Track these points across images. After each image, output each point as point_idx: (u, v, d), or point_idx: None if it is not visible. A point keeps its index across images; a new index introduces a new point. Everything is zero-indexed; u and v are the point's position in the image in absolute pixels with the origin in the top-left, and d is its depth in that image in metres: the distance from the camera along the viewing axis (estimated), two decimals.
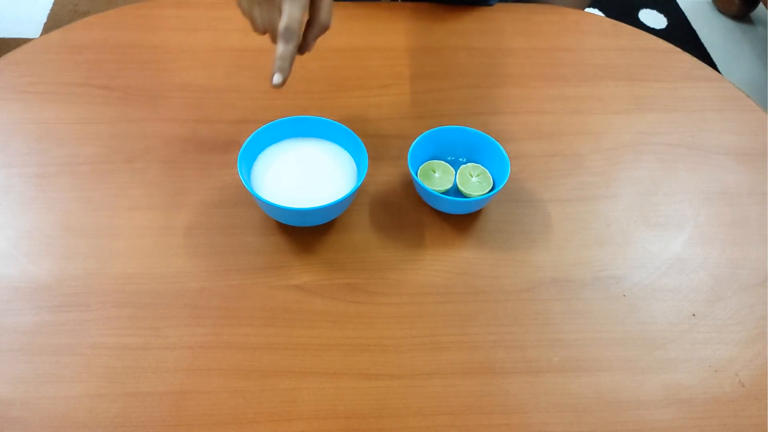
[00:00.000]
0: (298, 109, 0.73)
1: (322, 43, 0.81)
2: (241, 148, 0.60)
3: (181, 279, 0.58)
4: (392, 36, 0.83)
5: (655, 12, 2.09)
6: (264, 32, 0.58)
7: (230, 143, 0.69)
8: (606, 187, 0.69)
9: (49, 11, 1.84)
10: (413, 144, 0.63)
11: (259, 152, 0.63)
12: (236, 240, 0.61)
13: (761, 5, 2.07)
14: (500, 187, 0.61)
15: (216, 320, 0.56)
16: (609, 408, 0.53)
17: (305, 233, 0.62)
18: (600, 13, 2.03)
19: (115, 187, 0.65)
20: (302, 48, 0.58)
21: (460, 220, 0.65)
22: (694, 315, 0.59)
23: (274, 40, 0.57)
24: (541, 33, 0.86)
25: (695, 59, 0.85)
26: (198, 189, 0.65)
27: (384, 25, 0.85)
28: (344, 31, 0.83)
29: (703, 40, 2.01)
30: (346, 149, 0.64)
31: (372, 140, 0.69)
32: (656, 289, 0.61)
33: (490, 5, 0.88)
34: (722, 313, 0.60)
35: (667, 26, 2.05)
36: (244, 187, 0.57)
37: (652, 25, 2.05)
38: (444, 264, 0.61)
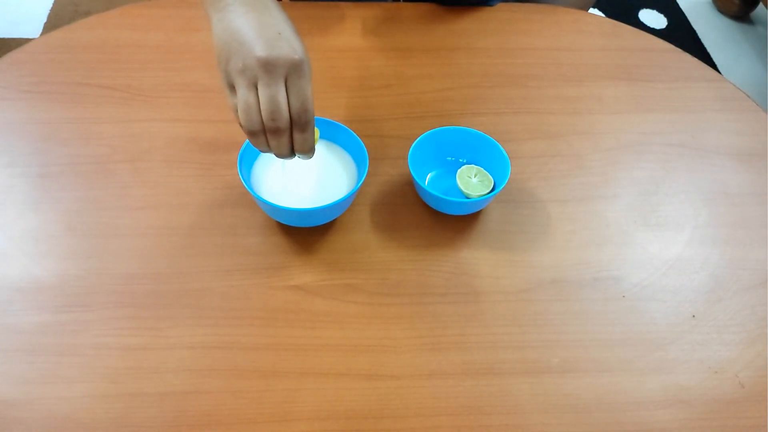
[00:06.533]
0: None
1: (322, 43, 0.82)
2: (241, 148, 0.60)
3: (183, 279, 0.58)
4: (392, 36, 0.83)
5: (655, 12, 2.09)
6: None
7: (231, 143, 0.69)
8: (606, 188, 0.69)
9: (49, 11, 1.84)
10: (413, 144, 0.63)
11: (259, 152, 0.63)
12: (237, 240, 0.61)
13: (761, 5, 2.07)
14: (500, 187, 0.61)
15: (217, 320, 0.56)
16: (608, 409, 0.53)
17: (305, 233, 0.62)
18: (600, 13, 2.03)
19: (118, 187, 0.65)
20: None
21: (460, 220, 0.65)
22: (694, 316, 0.59)
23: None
24: (541, 33, 0.86)
25: (695, 59, 0.85)
26: (199, 189, 0.65)
27: (384, 25, 0.85)
28: (344, 31, 0.83)
29: (703, 40, 2.01)
30: (346, 149, 0.64)
31: (372, 140, 0.69)
32: (656, 290, 0.61)
33: (491, 5, 0.88)
34: (722, 314, 0.60)
35: (667, 26, 2.05)
36: (245, 187, 0.58)
37: (652, 25, 2.04)
38: (444, 264, 0.61)
